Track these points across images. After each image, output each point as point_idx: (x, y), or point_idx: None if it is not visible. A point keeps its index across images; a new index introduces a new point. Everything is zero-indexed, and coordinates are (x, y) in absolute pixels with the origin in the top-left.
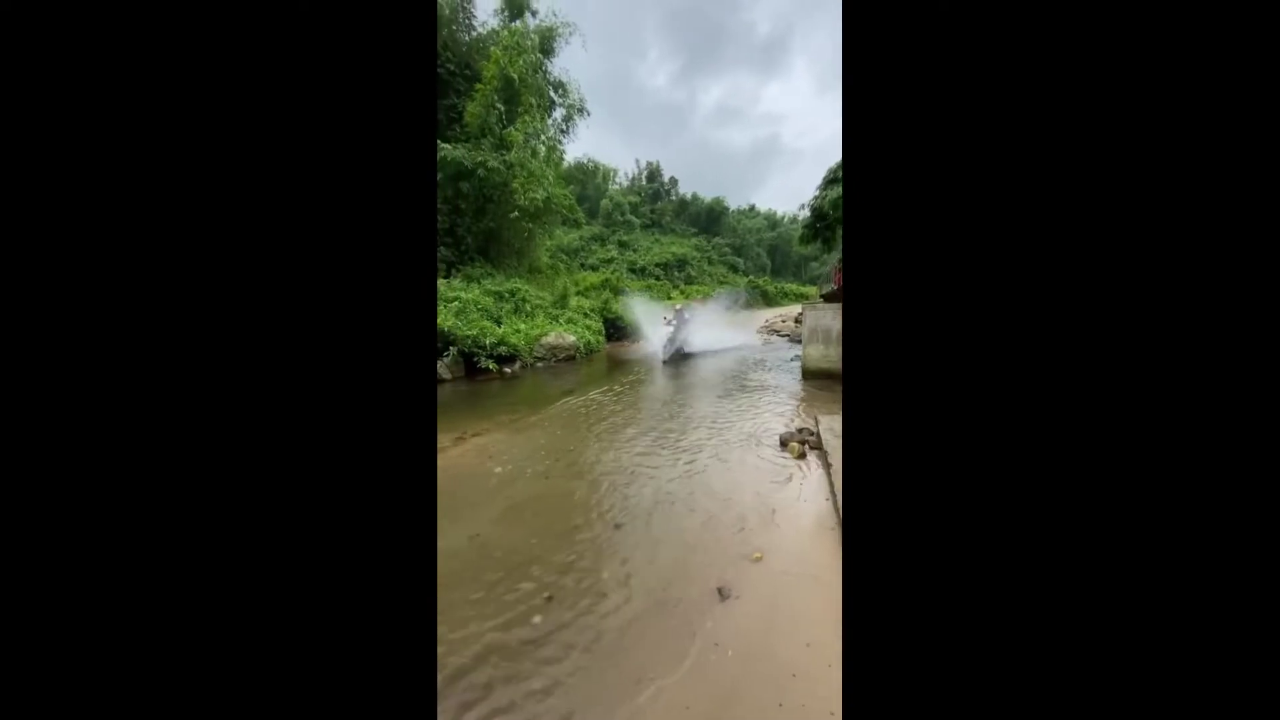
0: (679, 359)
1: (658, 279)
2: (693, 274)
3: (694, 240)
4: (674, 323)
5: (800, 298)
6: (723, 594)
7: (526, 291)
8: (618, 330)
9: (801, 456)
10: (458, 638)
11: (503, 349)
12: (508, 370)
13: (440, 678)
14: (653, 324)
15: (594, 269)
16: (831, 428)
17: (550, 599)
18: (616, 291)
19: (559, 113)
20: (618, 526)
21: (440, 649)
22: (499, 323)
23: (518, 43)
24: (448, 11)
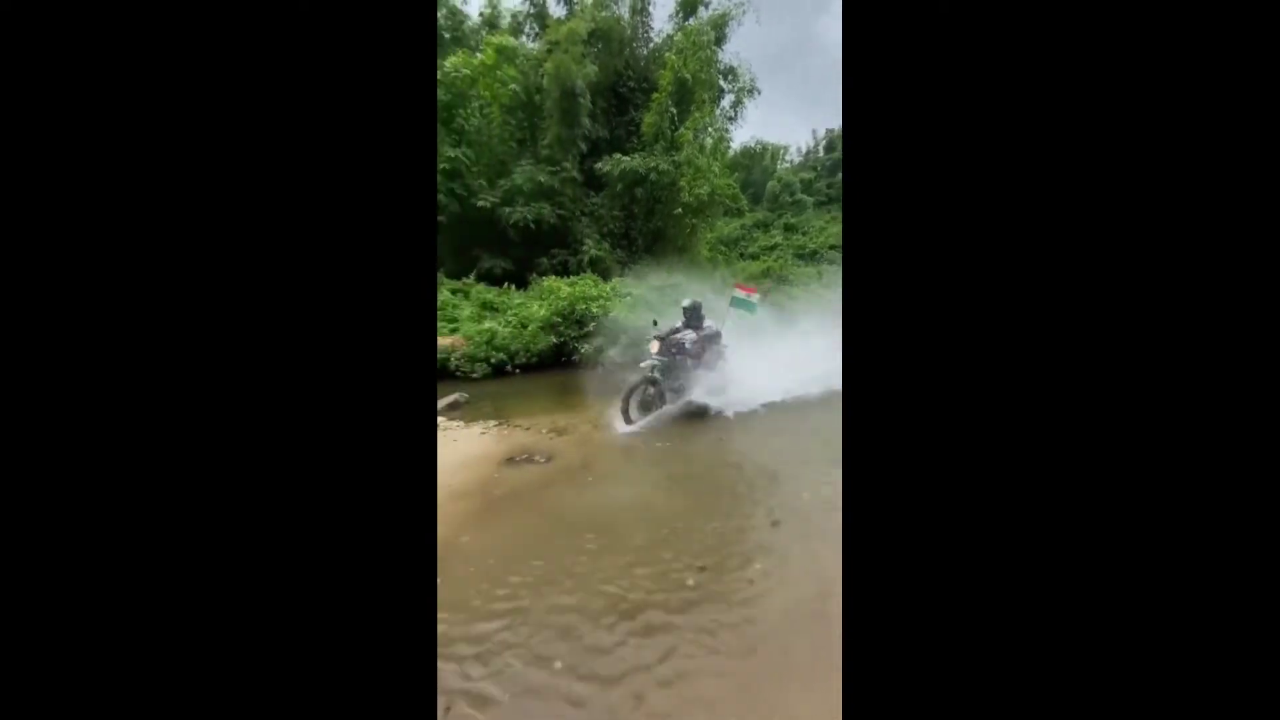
0: (668, 416)
1: (831, 263)
2: None
3: None
4: (672, 337)
5: None
6: None
7: (685, 285)
8: None
9: None
10: (623, 575)
11: None
12: None
13: (599, 604)
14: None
15: (754, 258)
16: None
17: (704, 569)
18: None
19: (728, 99)
20: (775, 524)
21: (603, 584)
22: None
23: (693, 42)
24: (629, 32)
